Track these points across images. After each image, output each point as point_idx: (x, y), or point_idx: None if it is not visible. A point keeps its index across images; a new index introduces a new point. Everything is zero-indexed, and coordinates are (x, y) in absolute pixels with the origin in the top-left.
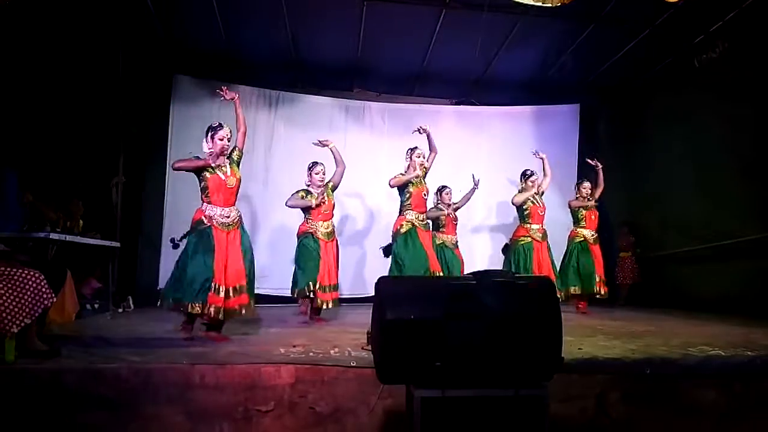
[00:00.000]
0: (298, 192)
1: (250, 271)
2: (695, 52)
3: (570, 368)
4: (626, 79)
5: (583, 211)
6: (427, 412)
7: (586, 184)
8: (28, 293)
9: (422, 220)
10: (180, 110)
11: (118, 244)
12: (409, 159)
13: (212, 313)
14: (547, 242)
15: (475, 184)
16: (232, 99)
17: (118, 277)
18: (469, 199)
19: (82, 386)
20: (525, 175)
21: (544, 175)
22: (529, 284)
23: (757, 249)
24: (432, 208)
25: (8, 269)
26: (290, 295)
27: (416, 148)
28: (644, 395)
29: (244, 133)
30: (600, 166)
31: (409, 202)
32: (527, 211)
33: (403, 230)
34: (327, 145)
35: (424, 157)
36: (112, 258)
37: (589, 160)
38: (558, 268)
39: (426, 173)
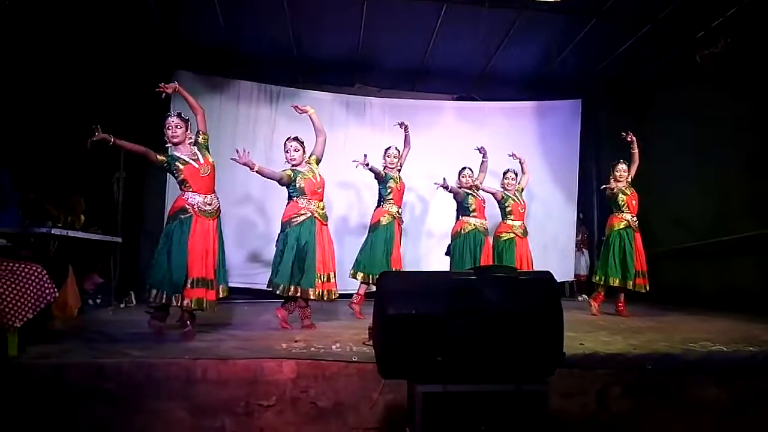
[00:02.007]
0: (284, 171)
1: (221, 264)
2: (697, 47)
3: (571, 363)
4: (628, 74)
5: (623, 196)
6: (428, 407)
7: (621, 166)
8: (31, 288)
9: (400, 214)
10: (180, 105)
11: (119, 240)
12: (384, 159)
13: (191, 305)
14: (527, 239)
15: (482, 156)
16: (174, 91)
17: (119, 272)
18: (486, 172)
19: (85, 381)
20: (504, 173)
21: (523, 173)
22: (530, 279)
23: (760, 245)
24: (458, 190)
25: (10, 264)
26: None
27: (389, 147)
28: (645, 390)
29: (203, 115)
30: (633, 140)
31: (390, 197)
32: (509, 209)
33: (384, 222)
34: (306, 111)
35: (397, 156)
36: (113, 253)
37: (623, 134)
38: (601, 260)
39: (400, 169)
